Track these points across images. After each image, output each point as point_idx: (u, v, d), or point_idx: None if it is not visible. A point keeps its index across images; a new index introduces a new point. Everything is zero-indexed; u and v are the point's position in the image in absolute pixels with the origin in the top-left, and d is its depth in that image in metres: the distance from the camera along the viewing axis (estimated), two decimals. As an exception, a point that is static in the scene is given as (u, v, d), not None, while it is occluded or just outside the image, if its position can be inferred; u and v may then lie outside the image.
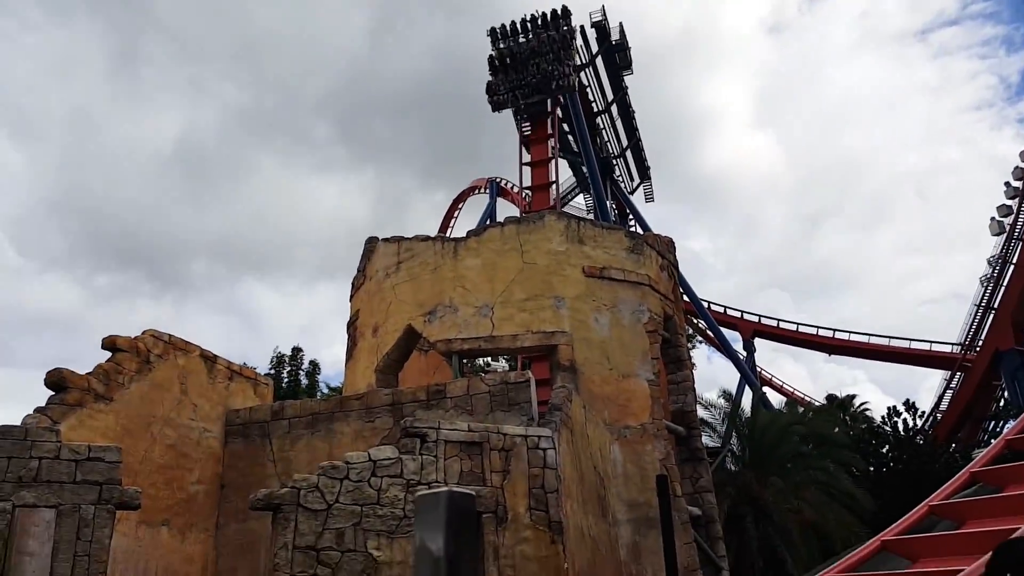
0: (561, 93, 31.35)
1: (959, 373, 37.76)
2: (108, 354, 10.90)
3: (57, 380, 9.83)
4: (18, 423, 8.73)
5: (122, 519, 9.10)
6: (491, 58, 30.62)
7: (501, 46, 30.35)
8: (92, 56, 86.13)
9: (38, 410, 9.46)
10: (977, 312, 37.67)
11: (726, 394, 27.51)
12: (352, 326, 18.58)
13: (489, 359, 30.08)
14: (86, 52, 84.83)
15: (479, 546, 8.72)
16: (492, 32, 30.56)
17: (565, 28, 29.72)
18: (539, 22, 30.10)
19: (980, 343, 36.67)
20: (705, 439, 20.70)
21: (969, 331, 37.97)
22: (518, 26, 30.39)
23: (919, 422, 32.07)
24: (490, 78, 31.09)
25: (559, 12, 30.21)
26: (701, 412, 21.98)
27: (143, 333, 11.49)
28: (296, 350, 33.57)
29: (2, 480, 7.98)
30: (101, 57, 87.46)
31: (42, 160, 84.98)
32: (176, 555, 10.79)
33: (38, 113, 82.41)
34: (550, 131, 32.18)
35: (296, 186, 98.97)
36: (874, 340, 40.32)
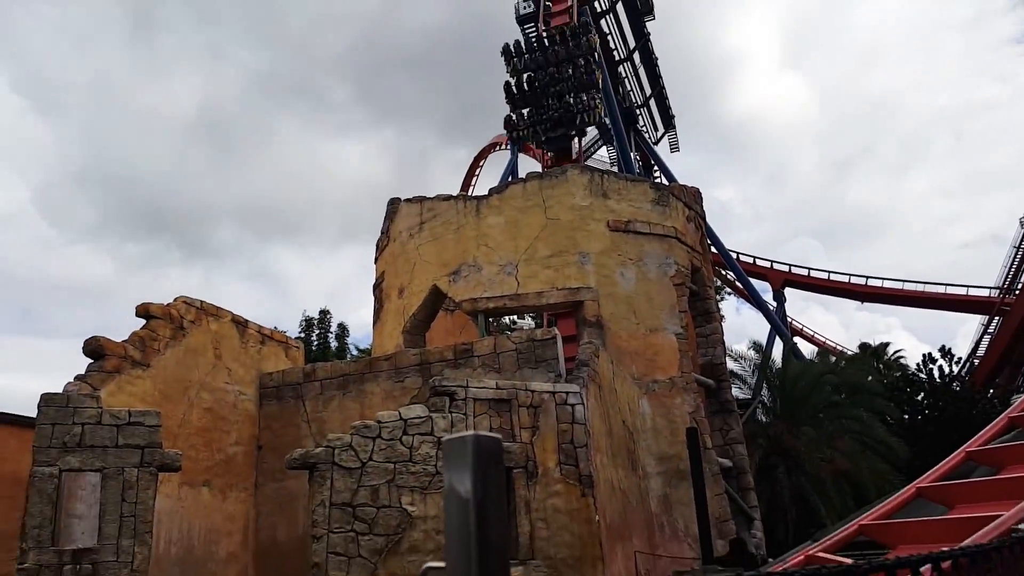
0: (587, 127, 28.53)
1: (997, 317, 36.92)
2: (142, 321, 11.11)
3: (95, 348, 10.06)
4: (60, 391, 8.98)
5: (164, 481, 9.39)
6: (507, 85, 27.68)
7: (516, 63, 27.22)
8: (110, 25, 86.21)
9: (78, 378, 9.71)
10: (1016, 254, 36.61)
11: (756, 345, 27.29)
12: (378, 288, 18.70)
13: (515, 317, 30.07)
14: (104, 21, 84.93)
15: (507, 487, 8.86)
16: (505, 50, 27.49)
17: (585, 40, 26.71)
18: (556, 38, 27.08)
19: (1020, 286, 35.71)
20: (735, 391, 20.61)
21: (1008, 274, 36.97)
22: (534, 42, 27.50)
23: (955, 368, 31.56)
24: (508, 110, 27.75)
25: (578, 27, 27.28)
26: (731, 364, 21.86)
27: (175, 300, 11.68)
28: (324, 313, 34.03)
29: (48, 446, 8.26)
30: (119, 25, 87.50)
31: (66, 131, 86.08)
32: (218, 514, 11.15)
33: (60, 84, 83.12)
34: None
35: (317, 149, 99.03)
36: (908, 286, 39.50)
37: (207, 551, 10.73)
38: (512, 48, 27.20)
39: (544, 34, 28.22)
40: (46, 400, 8.69)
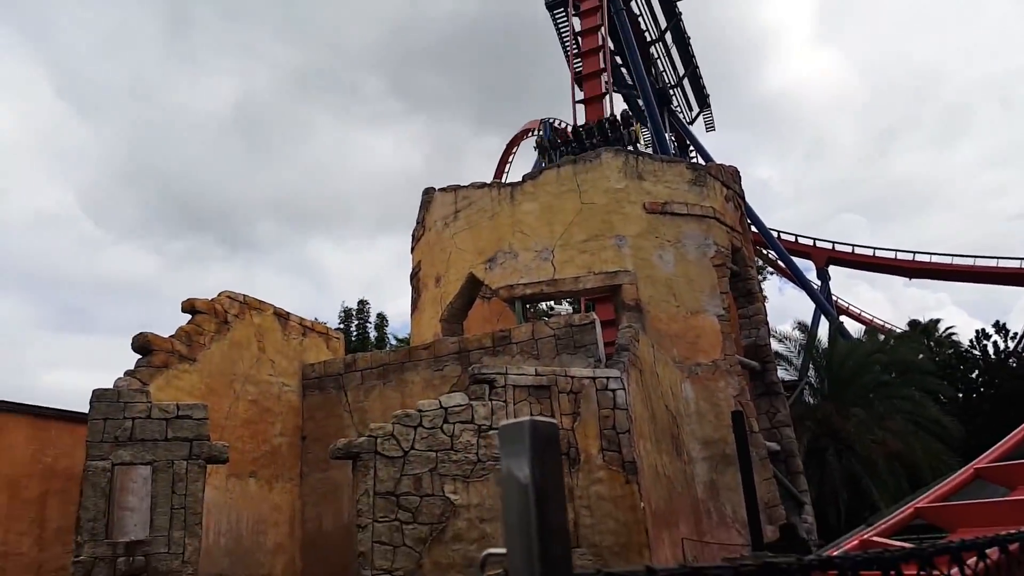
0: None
1: (1056, 290, 35.39)
2: (188, 317, 11.33)
3: (143, 344, 10.30)
4: (110, 386, 9.20)
5: (212, 473, 9.58)
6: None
7: (551, 156, 24.71)
8: (146, 25, 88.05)
9: (128, 373, 9.95)
10: (1076, 224, 34.96)
11: (801, 325, 26.72)
12: (415, 277, 18.78)
13: (552, 303, 29.87)
14: (140, 22, 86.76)
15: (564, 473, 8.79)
16: (539, 145, 25.52)
17: (628, 133, 24.28)
18: (594, 130, 24.76)
19: (1079, 257, 34.11)
20: (781, 373, 20.20)
21: (1067, 245, 35.37)
22: (569, 134, 25.42)
23: (1011, 344, 30.39)
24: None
25: (618, 119, 24.83)
26: (775, 345, 21.39)
27: (219, 295, 11.87)
28: (362, 303, 34.36)
29: (100, 440, 8.48)
30: (155, 26, 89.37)
31: (108, 132, 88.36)
32: (265, 504, 11.36)
33: (100, 86, 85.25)
34: (602, 65, 31.09)
35: (351, 141, 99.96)
36: (958, 260, 38.06)
37: (255, 541, 10.94)
38: (547, 142, 25.56)
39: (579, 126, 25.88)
40: (97, 396, 8.90)
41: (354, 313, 33.75)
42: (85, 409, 9.01)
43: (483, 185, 17.37)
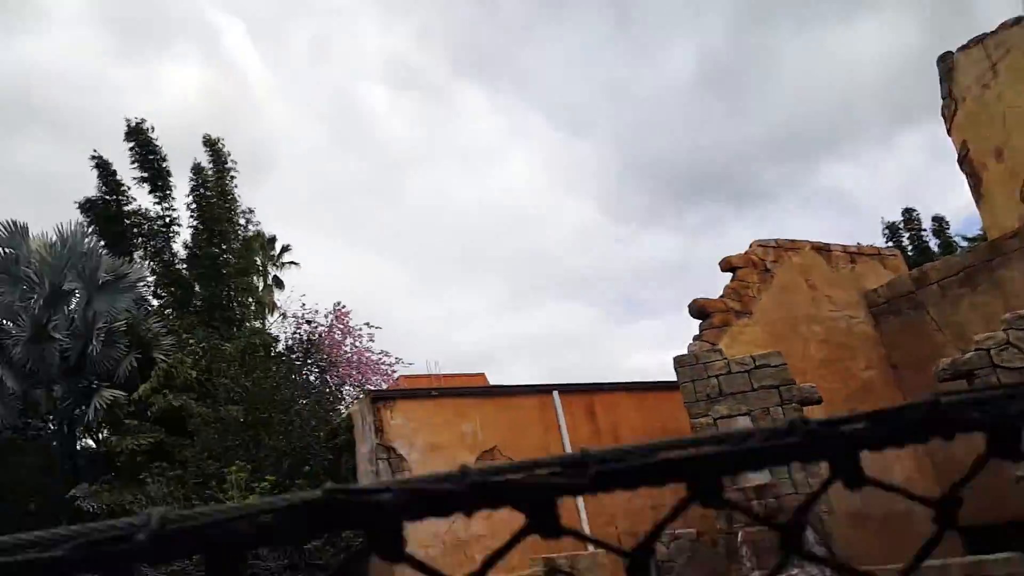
0: None
1: None
2: (727, 278, 11.61)
3: (700, 308, 10.94)
4: (685, 352, 9.96)
5: (809, 414, 9.39)
6: None
7: None
8: (597, 31, 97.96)
9: (695, 338, 10.66)
10: None
11: None
12: (963, 161, 15.41)
13: None
14: (592, 32, 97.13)
15: None
16: None
17: None
18: None
19: None
20: None
21: None
22: None
23: None
24: None
25: None
26: None
27: (750, 246, 11.86)
28: (908, 212, 30.06)
29: (695, 400, 9.20)
30: (604, 28, 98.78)
31: (599, 140, 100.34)
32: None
33: (580, 105, 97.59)
34: None
35: (826, 45, 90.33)
36: None
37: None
38: None
39: None
40: (679, 362, 9.69)
41: (900, 226, 29.83)
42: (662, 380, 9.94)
43: (1019, 20, 13.36)
